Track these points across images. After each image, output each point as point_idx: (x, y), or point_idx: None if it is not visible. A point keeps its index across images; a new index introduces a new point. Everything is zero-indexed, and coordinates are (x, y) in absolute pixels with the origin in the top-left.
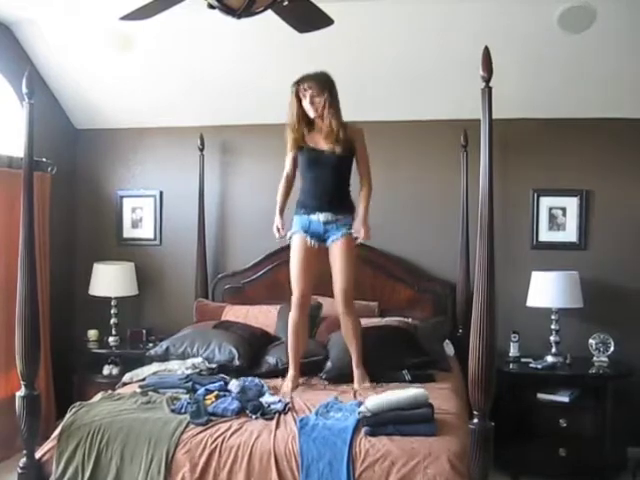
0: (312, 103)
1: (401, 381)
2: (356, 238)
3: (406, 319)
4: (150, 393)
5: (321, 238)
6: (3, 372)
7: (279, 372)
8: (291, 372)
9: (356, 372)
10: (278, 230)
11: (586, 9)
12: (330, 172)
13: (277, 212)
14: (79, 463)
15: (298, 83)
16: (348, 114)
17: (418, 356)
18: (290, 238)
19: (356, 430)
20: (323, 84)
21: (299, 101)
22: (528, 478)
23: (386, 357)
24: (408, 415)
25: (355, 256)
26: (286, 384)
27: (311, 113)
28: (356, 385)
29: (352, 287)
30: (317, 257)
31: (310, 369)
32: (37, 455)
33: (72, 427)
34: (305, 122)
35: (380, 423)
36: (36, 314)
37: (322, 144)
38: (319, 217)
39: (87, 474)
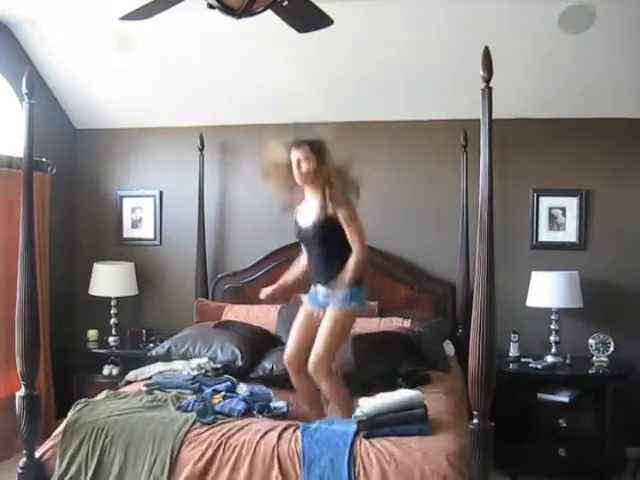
0: (298, 167)
1: (397, 388)
2: (351, 314)
3: (406, 319)
4: (156, 392)
5: (322, 307)
6: (3, 372)
7: (274, 378)
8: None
9: None
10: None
11: (586, 9)
12: (317, 247)
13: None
14: (82, 460)
15: (293, 146)
16: (348, 114)
17: (415, 364)
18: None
19: (357, 434)
20: (314, 152)
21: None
22: (528, 478)
23: (382, 366)
24: (402, 416)
25: (341, 328)
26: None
27: (297, 178)
28: None
29: (323, 356)
30: (314, 324)
31: None
32: (37, 454)
33: (76, 424)
34: (292, 181)
35: (376, 426)
36: (36, 314)
37: (304, 216)
38: (320, 290)
39: (90, 471)
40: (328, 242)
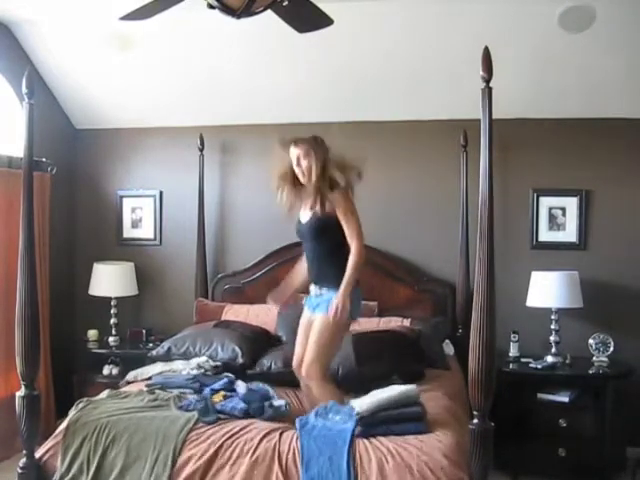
0: (298, 165)
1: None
2: (348, 318)
3: (405, 319)
4: (157, 391)
5: (314, 310)
6: (3, 372)
7: (273, 376)
8: None
9: None
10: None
11: (586, 9)
12: (312, 245)
13: None
14: (84, 460)
15: (291, 142)
16: (348, 114)
17: (415, 362)
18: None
19: (355, 431)
20: (311, 149)
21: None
22: (528, 478)
23: (383, 364)
24: (398, 414)
25: (329, 336)
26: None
27: (300, 176)
28: None
29: (314, 364)
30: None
31: None
32: (38, 453)
33: (78, 423)
34: (298, 183)
35: (373, 424)
36: (36, 314)
37: (303, 215)
38: (312, 289)
39: (92, 470)
40: (322, 239)
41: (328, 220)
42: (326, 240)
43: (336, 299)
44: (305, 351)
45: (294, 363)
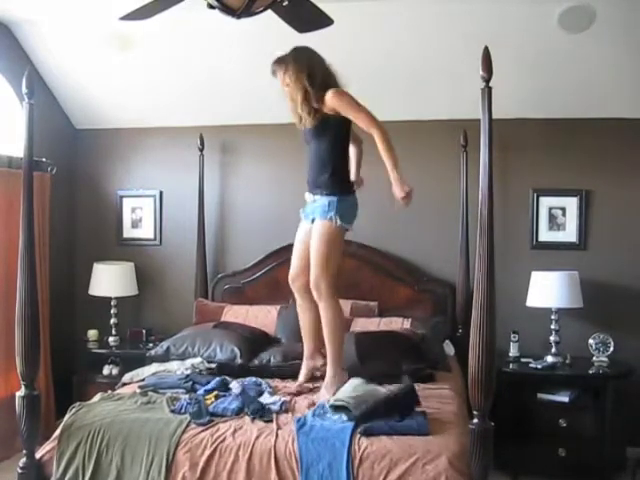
0: (285, 84)
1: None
2: (332, 226)
3: (405, 319)
4: (150, 393)
5: (310, 219)
6: (3, 372)
7: (271, 370)
8: (303, 361)
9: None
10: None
11: (586, 9)
12: (311, 152)
13: None
14: (79, 464)
15: (273, 62)
16: None
17: (417, 363)
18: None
19: (354, 431)
20: (287, 63)
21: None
22: (528, 478)
23: (385, 363)
24: (393, 405)
25: (327, 243)
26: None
27: (287, 95)
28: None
29: (323, 276)
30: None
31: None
32: (37, 455)
33: (72, 427)
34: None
35: (370, 419)
36: (36, 314)
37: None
38: (307, 197)
39: (87, 475)
40: (319, 141)
41: (326, 121)
42: (322, 143)
43: (395, 184)
44: (303, 263)
45: (290, 276)
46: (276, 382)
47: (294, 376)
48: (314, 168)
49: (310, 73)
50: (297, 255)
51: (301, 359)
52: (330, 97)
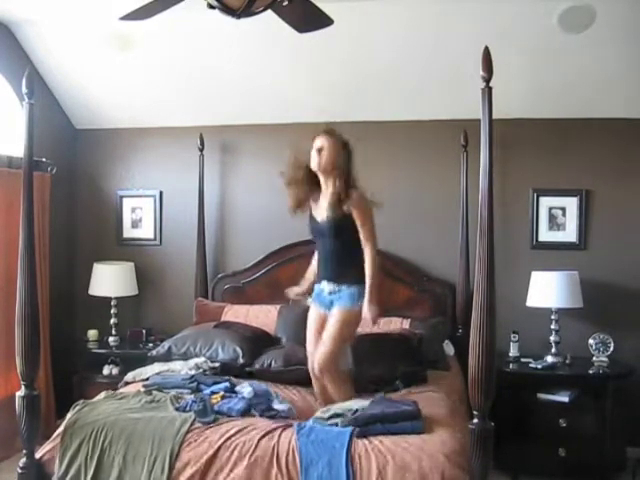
0: (319, 153)
1: (394, 390)
2: (358, 313)
3: (405, 320)
4: (154, 392)
5: (328, 307)
6: (3, 372)
7: (272, 374)
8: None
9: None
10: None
11: (586, 9)
12: (331, 243)
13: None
14: (82, 462)
15: (318, 134)
16: (348, 114)
17: (414, 365)
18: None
19: (352, 434)
20: (337, 140)
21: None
22: (528, 478)
23: (381, 367)
24: (394, 412)
25: (348, 329)
26: None
27: (313, 163)
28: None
29: (329, 355)
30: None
31: None
32: (37, 455)
33: (75, 425)
34: (310, 182)
35: (368, 422)
36: (36, 314)
37: (320, 210)
38: (324, 287)
39: (90, 473)
40: (342, 236)
41: (347, 219)
42: (346, 238)
43: (368, 311)
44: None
45: (310, 365)
46: (283, 390)
47: (295, 382)
48: (336, 260)
49: (348, 169)
50: (313, 342)
51: (302, 364)
52: (360, 197)
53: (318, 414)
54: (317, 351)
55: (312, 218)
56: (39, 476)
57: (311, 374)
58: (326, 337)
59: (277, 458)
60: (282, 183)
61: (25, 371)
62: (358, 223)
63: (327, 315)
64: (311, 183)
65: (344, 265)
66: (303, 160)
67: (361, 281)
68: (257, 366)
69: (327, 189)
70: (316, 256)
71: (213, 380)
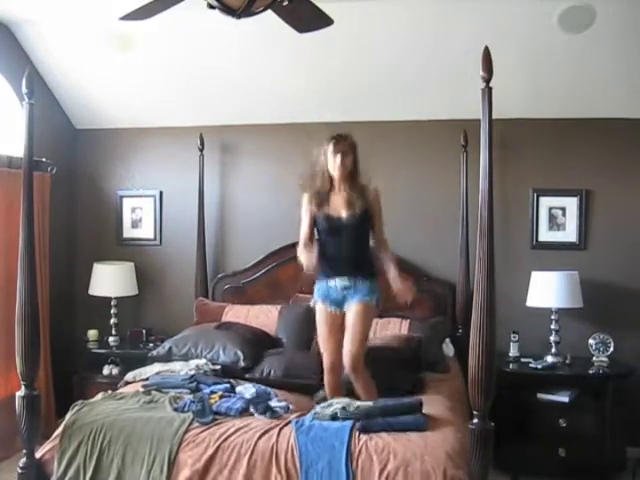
0: (343, 162)
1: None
2: (375, 307)
3: (405, 320)
4: (153, 392)
5: (340, 304)
6: (3, 372)
7: (271, 382)
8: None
9: None
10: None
11: (586, 9)
12: (351, 238)
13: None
14: (81, 462)
15: (336, 140)
16: (348, 114)
17: (413, 373)
18: (313, 306)
19: (352, 430)
20: (353, 146)
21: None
22: (528, 478)
23: (380, 383)
24: (395, 406)
25: (369, 322)
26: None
27: (337, 171)
28: None
29: (361, 352)
30: (341, 322)
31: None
32: (37, 455)
33: (74, 426)
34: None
35: (369, 417)
36: (36, 314)
37: (341, 209)
38: (337, 283)
39: (89, 474)
40: (362, 232)
41: (367, 212)
42: (364, 231)
43: (403, 288)
44: (337, 346)
45: (332, 366)
46: (283, 394)
47: (293, 390)
48: (356, 255)
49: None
50: (334, 341)
51: (301, 377)
52: (375, 190)
53: (317, 409)
54: (346, 351)
55: (329, 217)
56: (39, 476)
57: (326, 371)
58: (353, 335)
59: (276, 458)
60: (294, 196)
61: (25, 371)
62: (375, 215)
63: (339, 313)
64: (326, 187)
65: (360, 259)
66: (321, 165)
67: (373, 274)
68: (257, 374)
69: (341, 188)
70: (314, 254)
71: (213, 380)
